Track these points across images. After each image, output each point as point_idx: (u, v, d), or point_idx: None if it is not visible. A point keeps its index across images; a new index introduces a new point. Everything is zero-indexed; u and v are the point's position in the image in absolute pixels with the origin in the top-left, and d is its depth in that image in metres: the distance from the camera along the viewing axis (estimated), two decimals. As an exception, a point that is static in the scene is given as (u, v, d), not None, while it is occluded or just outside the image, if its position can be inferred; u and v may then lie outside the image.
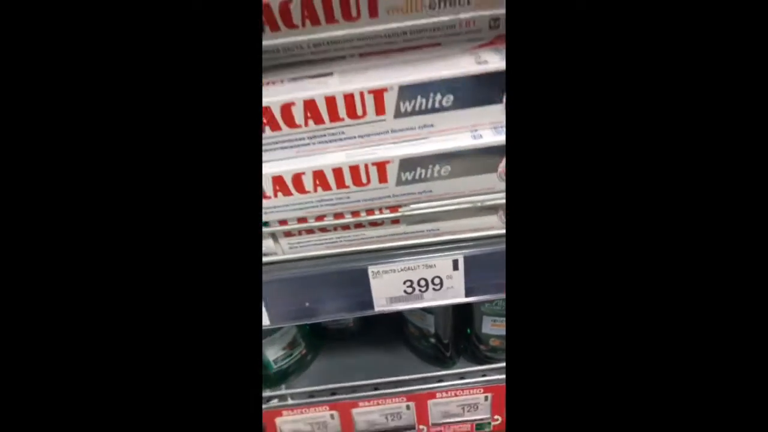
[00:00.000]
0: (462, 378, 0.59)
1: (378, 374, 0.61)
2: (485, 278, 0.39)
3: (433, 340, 0.58)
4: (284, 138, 0.32)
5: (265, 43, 0.33)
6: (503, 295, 0.42)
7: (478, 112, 0.32)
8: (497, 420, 0.61)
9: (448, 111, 0.31)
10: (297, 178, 0.32)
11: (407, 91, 0.30)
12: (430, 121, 0.32)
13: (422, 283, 0.38)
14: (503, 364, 0.59)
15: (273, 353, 0.58)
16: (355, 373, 0.63)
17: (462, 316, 0.58)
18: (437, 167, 0.33)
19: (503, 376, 0.58)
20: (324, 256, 0.38)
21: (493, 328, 0.54)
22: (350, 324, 0.67)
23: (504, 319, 0.53)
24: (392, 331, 0.66)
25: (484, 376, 0.59)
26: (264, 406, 0.60)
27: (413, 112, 0.31)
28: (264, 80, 0.33)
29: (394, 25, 0.32)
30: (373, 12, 0.32)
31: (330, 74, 0.32)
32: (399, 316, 0.63)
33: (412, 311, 0.57)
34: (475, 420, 0.61)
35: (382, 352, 0.66)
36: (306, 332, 0.62)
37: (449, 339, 0.58)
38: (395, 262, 0.37)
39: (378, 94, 0.30)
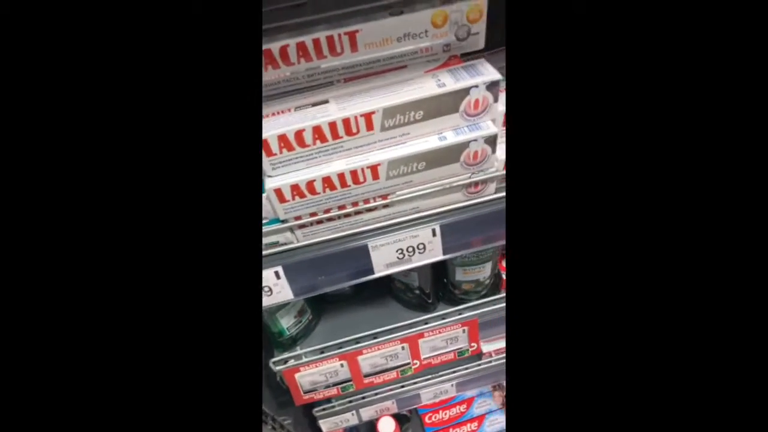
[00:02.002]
0: (444, 318, 0.73)
1: (373, 326, 0.74)
2: (456, 239, 0.51)
3: (417, 291, 0.70)
4: (297, 156, 0.41)
5: (267, 78, 0.41)
6: (470, 250, 0.54)
7: (441, 120, 0.42)
8: (473, 346, 0.76)
9: (419, 122, 0.41)
10: (310, 185, 0.42)
11: (389, 112, 0.40)
12: (407, 131, 0.42)
13: (410, 249, 0.50)
14: (475, 303, 0.73)
15: (286, 322, 0.69)
16: (354, 328, 0.75)
17: (439, 269, 0.70)
18: (415, 164, 0.43)
19: (475, 312, 0.72)
20: (333, 239, 0.49)
21: (465, 275, 0.68)
22: (346, 288, 0.78)
23: (471, 267, 0.66)
24: (380, 289, 0.78)
25: (460, 314, 0.73)
26: (283, 367, 0.71)
27: (394, 126, 0.41)
28: (273, 110, 0.41)
29: (371, 56, 0.41)
30: (354, 48, 0.40)
31: (326, 102, 0.41)
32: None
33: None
34: (457, 349, 0.75)
35: (375, 307, 0.78)
36: (310, 300, 0.72)
37: (429, 289, 0.70)
38: (388, 236, 0.48)
39: (368, 117, 0.40)
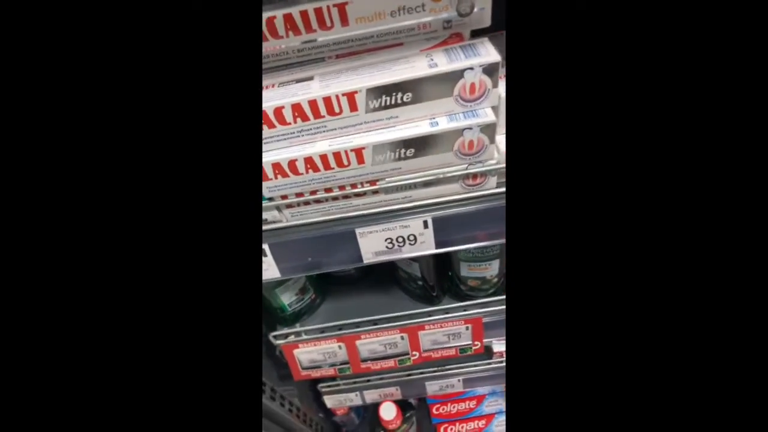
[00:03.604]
0: (447, 313, 0.70)
1: (376, 312, 0.73)
2: (451, 233, 0.48)
3: (420, 282, 0.68)
4: (279, 134, 0.39)
5: (257, 51, 0.40)
6: (468, 246, 0.51)
7: (433, 104, 0.39)
8: (477, 345, 0.72)
9: (408, 105, 0.38)
10: (292, 164, 0.41)
11: (373, 93, 0.37)
12: (395, 113, 0.39)
13: (400, 240, 0.47)
14: (481, 300, 0.70)
15: (287, 298, 0.69)
16: (357, 311, 0.75)
17: (444, 261, 0.67)
18: (403, 150, 0.40)
19: (481, 310, 0.69)
20: (320, 222, 0.48)
21: (470, 271, 0.64)
22: (352, 272, 0.77)
23: (476, 263, 0.62)
24: (387, 276, 0.77)
25: (465, 310, 0.70)
26: (283, 341, 0.72)
27: (380, 108, 0.38)
28: (259, 85, 0.40)
29: (362, 31, 0.39)
30: (344, 21, 0.38)
31: (311, 78, 0.39)
32: (392, 263, 0.73)
33: (400, 259, 0.67)
34: (459, 346, 0.73)
35: (379, 294, 0.77)
36: (314, 280, 0.73)
37: (434, 281, 0.68)
38: (377, 225, 0.46)
39: (350, 96, 0.37)
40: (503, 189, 0.46)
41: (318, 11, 0.37)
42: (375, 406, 0.99)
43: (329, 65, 0.40)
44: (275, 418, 0.79)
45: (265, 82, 0.40)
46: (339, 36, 0.39)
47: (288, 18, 0.37)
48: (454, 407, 1.11)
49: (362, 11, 0.37)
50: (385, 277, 0.77)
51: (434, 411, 1.11)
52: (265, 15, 0.37)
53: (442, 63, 0.37)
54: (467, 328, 0.70)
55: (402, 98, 0.38)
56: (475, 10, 0.37)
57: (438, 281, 0.69)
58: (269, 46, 0.39)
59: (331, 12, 0.37)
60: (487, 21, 0.38)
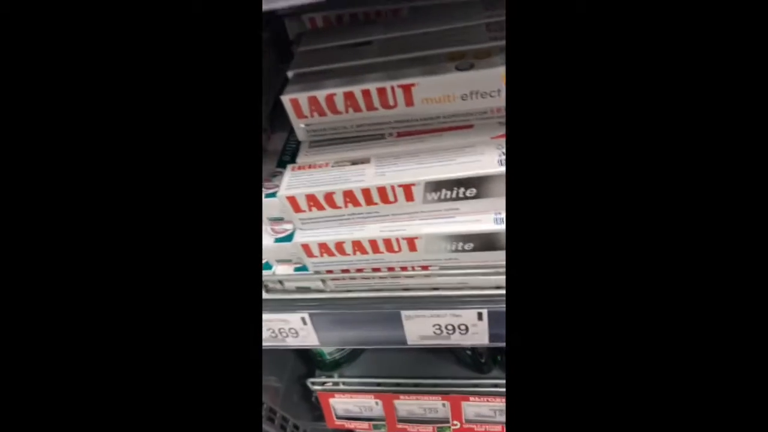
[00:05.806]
0: (495, 387, 0.64)
1: (419, 370, 0.68)
2: (508, 328, 0.43)
3: (469, 352, 0.63)
4: (328, 216, 0.37)
5: (313, 124, 0.37)
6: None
7: (500, 200, 0.34)
8: (526, 426, 0.66)
9: (471, 199, 0.34)
10: (339, 246, 0.38)
11: (432, 185, 0.33)
12: (456, 206, 0.35)
13: (450, 328, 0.43)
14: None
15: (327, 347, 0.67)
16: (399, 366, 0.71)
17: (497, 334, 0.62)
18: (461, 243, 0.36)
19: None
20: (366, 298, 0.44)
21: (525, 351, 0.58)
22: (398, 323, 0.74)
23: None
24: (435, 333, 0.72)
25: (516, 386, 0.64)
26: (320, 388, 0.70)
27: (439, 200, 0.34)
28: (311, 160, 0.38)
29: (429, 112, 0.35)
30: (409, 102, 0.35)
31: (367, 161, 0.36)
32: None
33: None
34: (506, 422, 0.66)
35: (426, 352, 0.72)
36: (357, 330, 0.70)
37: (484, 352, 0.62)
38: (426, 310, 0.42)
39: (407, 188, 0.34)
40: (575, 288, 0.40)
41: (381, 91, 0.34)
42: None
43: (388, 145, 0.37)
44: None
45: (318, 158, 0.37)
46: (402, 114, 0.35)
47: (348, 95, 0.35)
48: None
49: (429, 93, 0.34)
50: (431, 332, 0.73)
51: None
52: (324, 92, 0.35)
53: (516, 160, 0.32)
54: (517, 407, 0.63)
55: (465, 193, 0.34)
56: (561, 97, 0.32)
57: (489, 352, 0.63)
58: (327, 121, 0.37)
59: (396, 92, 0.34)
60: (573, 108, 0.33)
